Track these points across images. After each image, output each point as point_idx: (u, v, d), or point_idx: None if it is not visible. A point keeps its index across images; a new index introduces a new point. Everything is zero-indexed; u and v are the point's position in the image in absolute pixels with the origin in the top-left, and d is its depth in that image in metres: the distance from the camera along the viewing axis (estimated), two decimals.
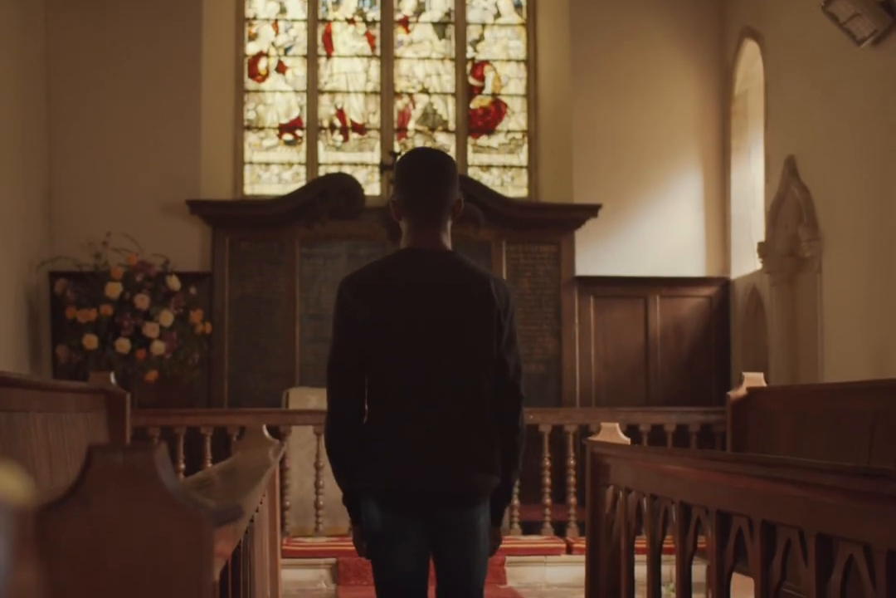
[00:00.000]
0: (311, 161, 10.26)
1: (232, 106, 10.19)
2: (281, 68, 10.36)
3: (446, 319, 3.28)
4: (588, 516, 5.38)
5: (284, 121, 10.33)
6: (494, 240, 9.87)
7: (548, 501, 8.07)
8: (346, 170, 10.14)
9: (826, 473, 2.74)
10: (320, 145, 10.31)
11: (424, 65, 10.48)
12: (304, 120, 10.32)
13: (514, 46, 10.54)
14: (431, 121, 10.43)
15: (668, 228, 10.03)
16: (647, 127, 10.05)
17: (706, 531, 3.57)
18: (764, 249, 8.93)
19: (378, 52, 10.43)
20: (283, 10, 10.39)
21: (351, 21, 10.48)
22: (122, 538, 1.15)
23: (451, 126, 10.43)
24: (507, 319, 3.35)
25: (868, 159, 7.52)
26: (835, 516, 2.68)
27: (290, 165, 10.29)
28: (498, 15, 10.55)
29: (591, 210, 9.85)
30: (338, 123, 10.36)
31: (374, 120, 10.36)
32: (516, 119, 10.51)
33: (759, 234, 9.23)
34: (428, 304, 3.28)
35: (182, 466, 7.71)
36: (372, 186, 10.15)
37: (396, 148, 10.11)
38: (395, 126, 10.35)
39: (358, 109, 10.38)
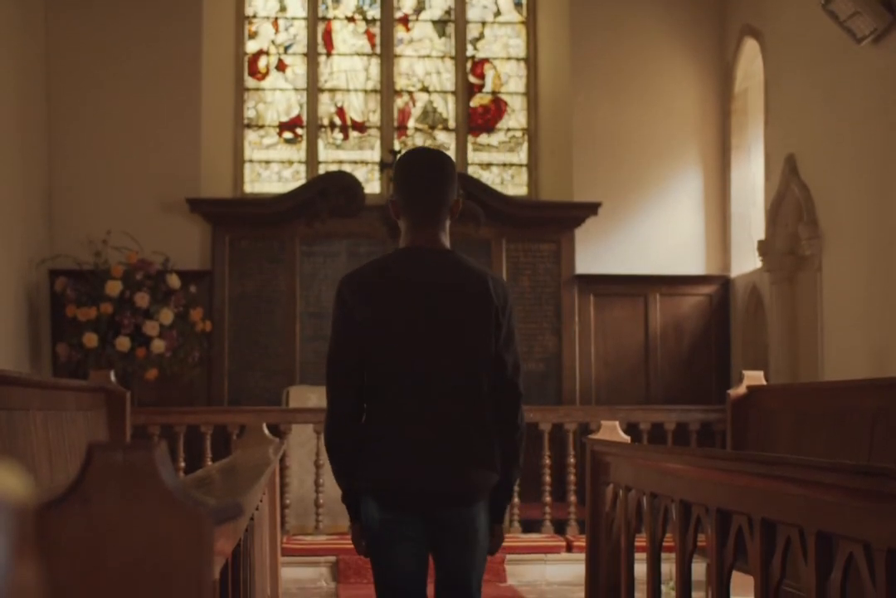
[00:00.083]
0: (311, 159, 10.26)
1: (232, 104, 10.19)
2: (281, 66, 10.36)
3: (446, 318, 3.28)
4: (588, 514, 5.38)
5: (284, 119, 10.33)
6: (494, 238, 9.87)
7: (548, 499, 8.07)
8: (346, 168, 10.14)
9: (826, 471, 2.74)
10: (320, 143, 10.31)
11: (424, 63, 10.48)
12: (305, 118, 10.32)
13: (514, 45, 10.54)
14: (431, 119, 10.43)
15: (669, 226, 10.03)
16: (647, 125, 10.04)
17: (706, 530, 3.57)
18: (764, 248, 8.93)
19: (378, 50, 10.42)
20: (283, 9, 10.39)
21: (351, 19, 10.47)
22: (123, 536, 1.15)
23: (451, 124, 10.43)
24: (506, 317, 3.35)
25: (868, 157, 7.52)
26: (835, 514, 2.68)
27: (290, 163, 10.29)
28: (498, 13, 10.55)
29: (591, 208, 9.85)
30: (338, 121, 10.36)
31: (374, 118, 10.36)
32: (516, 117, 10.51)
33: (759, 232, 9.23)
34: (427, 303, 3.29)
35: (182, 464, 7.71)
36: (372, 185, 10.15)
37: (396, 146, 10.11)
38: (395, 124, 10.35)
39: (358, 107, 10.37)
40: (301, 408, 8.33)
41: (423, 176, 3.39)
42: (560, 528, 8.06)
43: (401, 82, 10.42)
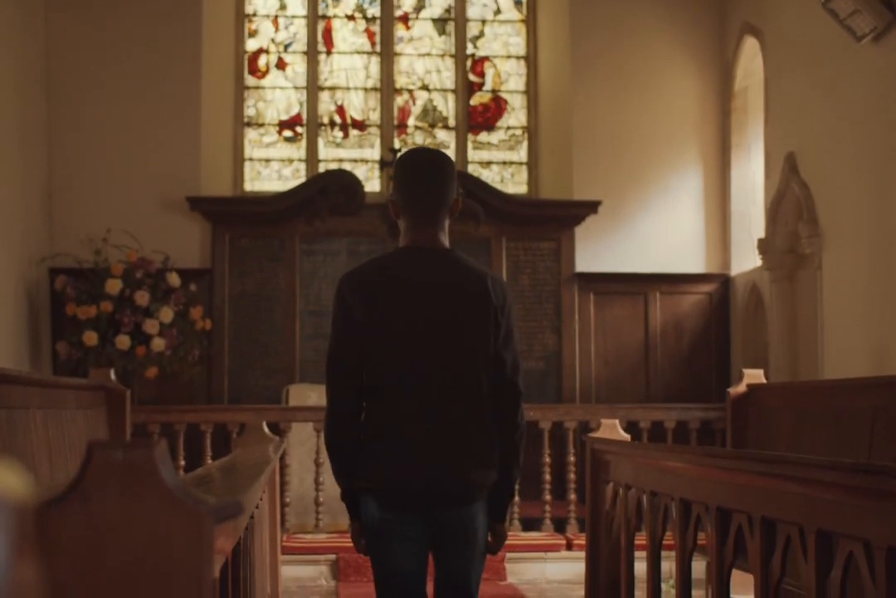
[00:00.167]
0: (311, 158, 10.26)
1: (232, 103, 10.19)
2: (281, 65, 10.36)
3: (445, 318, 3.29)
4: (588, 512, 5.38)
5: (284, 117, 10.33)
6: (494, 236, 9.87)
7: (548, 497, 8.08)
8: (346, 166, 10.14)
9: (826, 469, 2.74)
10: (320, 142, 10.31)
11: (424, 61, 10.47)
12: (304, 116, 10.32)
13: (514, 43, 10.54)
14: (431, 117, 10.43)
15: (668, 224, 10.03)
16: (647, 123, 10.04)
17: (706, 528, 3.57)
18: (764, 246, 8.93)
19: (378, 48, 10.42)
20: (282, 7, 10.39)
21: (351, 17, 10.47)
22: (122, 534, 1.15)
23: (451, 123, 10.43)
24: (505, 316, 3.36)
25: (868, 156, 7.52)
26: (835, 512, 2.68)
27: (290, 161, 10.29)
28: (498, 11, 10.55)
29: (591, 207, 9.85)
30: (338, 119, 10.36)
31: (374, 116, 10.36)
32: (516, 116, 10.50)
33: (759, 230, 9.23)
34: (427, 302, 3.29)
35: (182, 462, 7.71)
36: (372, 183, 10.15)
37: (396, 145, 10.10)
38: (395, 123, 10.35)
39: (358, 105, 10.37)
40: (301, 406, 8.32)
41: (422, 176, 3.40)
42: (560, 526, 8.06)
43: (401, 80, 10.42)
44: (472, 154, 10.43)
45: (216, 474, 3.38)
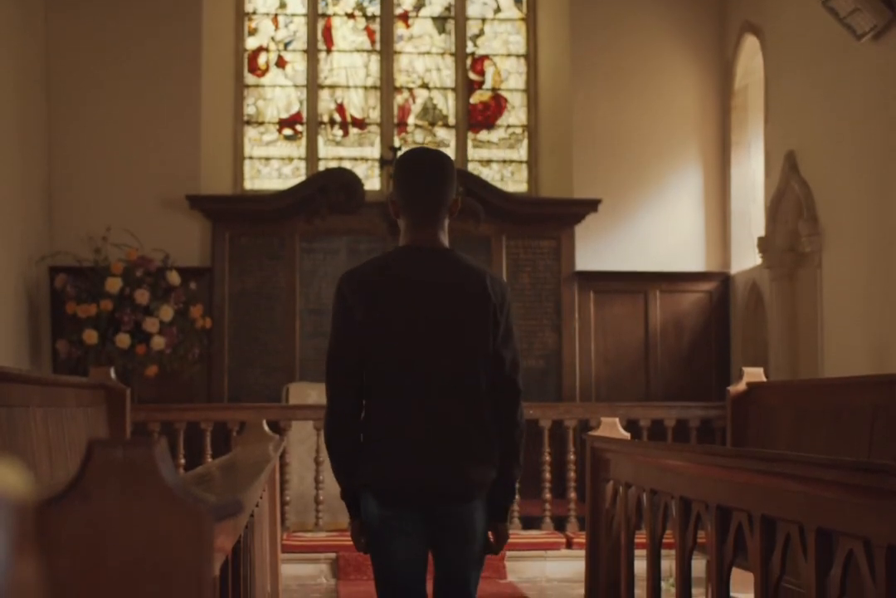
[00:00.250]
0: (311, 156, 10.26)
1: (232, 101, 10.18)
2: (281, 63, 10.36)
3: (445, 317, 3.30)
4: (588, 511, 5.38)
5: (284, 116, 10.32)
6: (494, 235, 9.87)
7: (548, 496, 8.08)
8: (346, 165, 10.14)
9: (826, 468, 2.74)
10: (320, 140, 10.31)
11: (424, 60, 10.47)
12: (304, 115, 10.31)
13: (514, 41, 10.53)
14: (431, 116, 10.43)
15: (668, 223, 10.03)
16: (647, 122, 10.04)
17: (706, 526, 3.57)
18: (764, 245, 8.93)
19: (378, 46, 10.42)
20: (282, 5, 10.39)
21: (351, 16, 10.47)
22: (122, 533, 1.15)
23: (451, 121, 10.43)
24: (503, 314, 3.36)
25: (868, 154, 7.52)
26: (835, 510, 2.68)
27: (290, 159, 10.29)
28: (498, 10, 10.55)
29: (591, 205, 9.85)
30: (338, 117, 10.35)
31: (374, 115, 10.36)
32: (516, 114, 10.50)
33: (759, 229, 9.23)
34: (426, 302, 3.30)
35: (182, 461, 7.71)
36: (372, 181, 10.15)
37: (396, 143, 10.10)
38: (395, 121, 10.35)
39: (358, 103, 10.37)
40: (301, 405, 8.32)
41: (422, 175, 3.40)
42: (560, 525, 8.06)
43: (401, 79, 10.41)
44: (472, 152, 10.43)
45: (216, 473, 3.38)
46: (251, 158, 10.25)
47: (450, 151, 10.28)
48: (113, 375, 6.29)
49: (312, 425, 7.81)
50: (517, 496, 7.87)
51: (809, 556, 2.79)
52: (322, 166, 10.16)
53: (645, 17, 10.07)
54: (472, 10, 10.52)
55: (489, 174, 10.32)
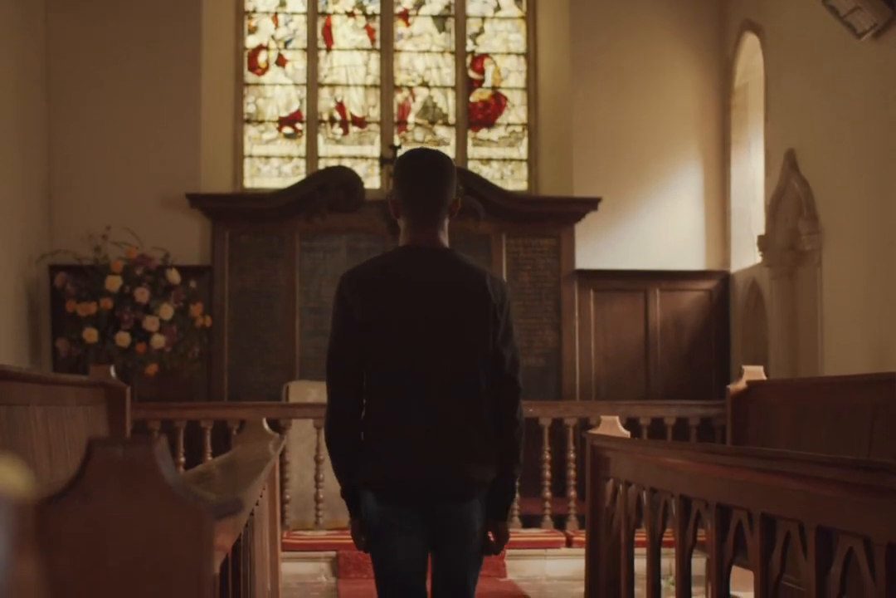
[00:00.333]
0: (311, 154, 10.25)
1: (232, 99, 10.18)
2: (281, 61, 10.35)
3: (445, 317, 3.30)
4: (588, 509, 5.39)
5: (284, 114, 10.32)
6: (494, 233, 9.87)
7: (548, 494, 8.08)
8: (346, 163, 10.14)
9: (826, 466, 2.74)
10: (320, 139, 10.31)
11: (424, 58, 10.47)
12: (304, 113, 10.31)
13: (514, 40, 10.53)
14: (431, 114, 10.43)
15: (668, 221, 10.03)
16: (647, 120, 10.04)
17: (706, 525, 3.57)
18: (764, 243, 8.93)
19: (378, 45, 10.42)
20: (282, 3, 10.38)
21: (351, 14, 10.46)
22: (122, 531, 1.15)
23: (451, 119, 10.42)
24: (503, 313, 3.37)
25: (868, 152, 7.52)
26: (834, 509, 2.68)
27: (290, 158, 10.29)
28: (498, 8, 10.54)
29: (591, 203, 9.85)
30: (338, 116, 10.35)
31: (374, 113, 10.35)
32: (516, 112, 10.50)
33: (759, 227, 9.23)
34: (426, 302, 3.31)
35: (182, 459, 7.71)
36: (372, 180, 10.15)
37: (396, 141, 10.10)
38: (395, 119, 10.34)
39: (358, 102, 10.37)
40: (301, 403, 8.33)
41: (422, 176, 3.41)
42: (560, 523, 8.07)
43: (401, 77, 10.41)
44: (471, 151, 10.43)
45: (216, 471, 3.38)
46: (251, 156, 10.25)
47: (450, 150, 10.28)
48: (113, 373, 6.30)
49: (312, 424, 7.81)
50: (517, 495, 7.88)
51: (809, 554, 2.80)
52: (322, 165, 10.16)
53: (645, 15, 10.07)
54: (472, 8, 10.51)
55: (489, 173, 10.32)
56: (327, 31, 10.43)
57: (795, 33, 8.61)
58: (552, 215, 9.95)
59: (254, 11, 10.35)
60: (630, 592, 4.81)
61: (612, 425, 5.51)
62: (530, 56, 10.48)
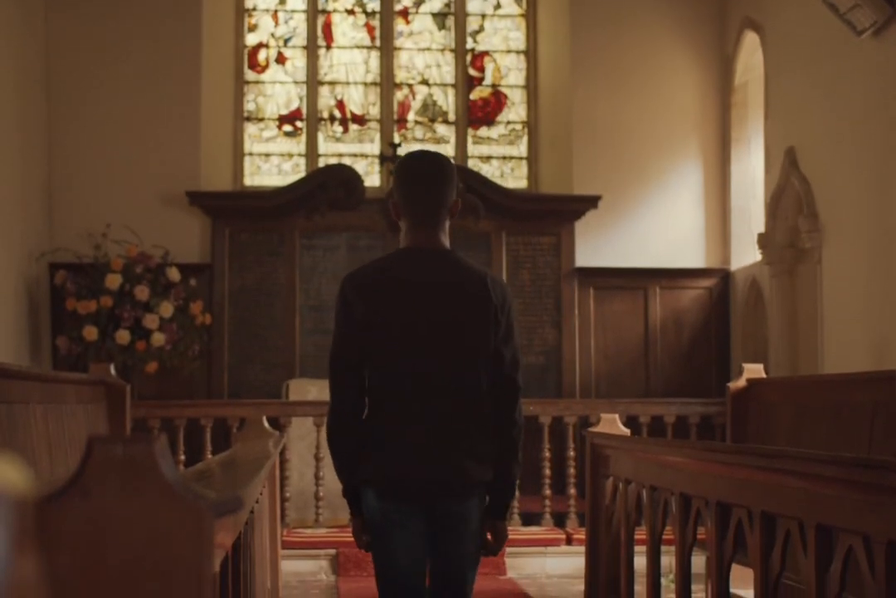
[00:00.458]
0: (311, 152, 10.25)
1: (232, 97, 10.18)
2: (281, 59, 10.35)
3: (445, 318, 3.32)
4: (588, 507, 5.39)
5: (284, 112, 10.32)
6: (494, 231, 9.86)
7: (548, 492, 8.08)
8: (346, 161, 10.13)
9: (826, 464, 2.74)
10: (320, 136, 10.30)
11: (424, 56, 10.47)
12: (304, 111, 10.31)
13: (514, 37, 10.53)
14: (431, 112, 10.42)
15: (668, 219, 10.03)
16: (647, 118, 10.04)
17: (706, 522, 3.57)
18: (764, 241, 8.92)
19: (378, 43, 10.41)
20: (282, 1, 10.38)
21: (351, 12, 10.46)
22: (122, 529, 1.15)
23: (451, 117, 10.42)
24: (504, 314, 3.39)
25: (868, 150, 7.52)
26: (834, 507, 2.68)
27: (290, 156, 10.29)
28: (498, 6, 10.54)
29: (591, 201, 9.85)
30: (337, 114, 10.35)
31: (374, 111, 10.35)
32: (516, 110, 10.50)
33: (759, 225, 9.23)
34: (427, 303, 3.33)
35: (182, 457, 7.71)
36: (371, 178, 10.15)
37: (396, 139, 10.10)
38: (395, 117, 10.34)
39: (358, 100, 10.36)
40: (301, 401, 8.33)
41: (422, 177, 3.43)
42: (560, 521, 8.07)
43: (400, 75, 10.41)
44: (471, 149, 10.43)
45: (216, 469, 3.39)
46: (251, 154, 10.24)
47: (450, 148, 10.29)
48: (113, 371, 6.30)
49: (312, 422, 7.81)
50: (517, 493, 7.88)
51: (809, 552, 2.80)
52: (322, 163, 10.16)
53: (645, 13, 10.06)
54: (472, 6, 10.51)
55: (489, 171, 10.31)
56: (327, 28, 10.42)
57: (795, 31, 8.61)
58: (552, 213, 9.95)
59: (254, 9, 10.35)
60: (630, 590, 4.82)
61: (611, 423, 5.51)
62: (530, 54, 10.48)
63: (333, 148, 10.31)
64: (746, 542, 3.23)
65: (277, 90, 10.33)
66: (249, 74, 10.31)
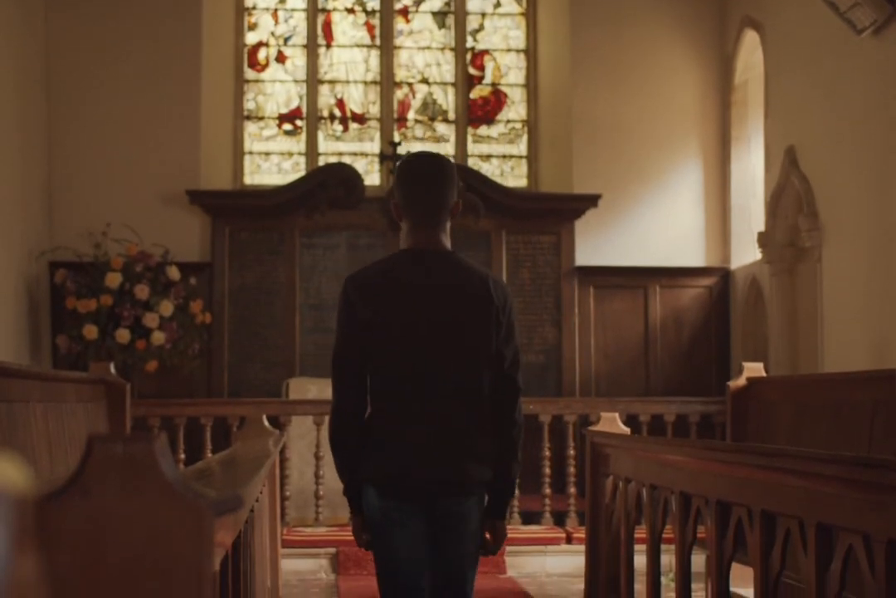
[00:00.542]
0: (311, 151, 10.25)
1: (231, 96, 10.18)
2: (280, 58, 10.35)
3: (447, 319, 3.33)
4: (588, 506, 5.39)
5: (284, 111, 10.32)
6: (494, 230, 9.86)
7: (547, 491, 8.08)
8: (346, 160, 10.13)
9: (826, 463, 2.74)
10: (320, 135, 10.30)
11: (424, 54, 10.46)
12: (304, 110, 10.31)
13: (514, 36, 10.52)
14: (431, 111, 10.42)
15: (668, 218, 10.03)
16: (647, 117, 10.03)
17: (706, 521, 3.58)
18: (764, 240, 8.92)
19: (378, 41, 10.41)
20: (282, 0, 10.37)
21: (350, 11, 10.46)
22: (122, 528, 1.15)
23: (451, 116, 10.42)
24: (506, 315, 3.40)
25: (868, 149, 7.52)
26: (834, 505, 2.68)
27: (290, 154, 10.28)
28: (498, 4, 10.54)
29: (591, 200, 9.85)
30: (337, 112, 10.35)
31: (374, 110, 10.35)
32: (516, 109, 10.49)
33: (759, 224, 9.23)
34: (429, 305, 3.33)
35: (182, 456, 7.71)
36: (371, 176, 10.14)
37: (396, 138, 10.10)
38: (395, 116, 10.34)
39: (357, 98, 10.36)
40: (301, 400, 8.32)
41: (423, 178, 3.44)
42: (560, 520, 8.07)
43: (401, 74, 10.41)
44: (471, 147, 10.43)
45: (216, 468, 3.39)
46: (251, 153, 10.24)
47: (449, 147, 10.29)
48: (113, 370, 6.30)
49: (312, 421, 7.80)
50: (517, 492, 7.88)
51: (809, 551, 2.80)
52: (322, 161, 10.16)
53: (645, 12, 10.06)
54: (472, 5, 10.51)
55: (489, 169, 10.31)
56: (327, 27, 10.42)
57: (795, 30, 8.61)
58: (552, 212, 9.95)
59: (253, 8, 10.35)
60: (630, 588, 4.82)
61: (611, 422, 5.51)
62: (530, 53, 10.47)
63: (333, 147, 10.31)
64: (746, 541, 3.24)
65: (277, 89, 10.33)
66: (249, 73, 10.30)
